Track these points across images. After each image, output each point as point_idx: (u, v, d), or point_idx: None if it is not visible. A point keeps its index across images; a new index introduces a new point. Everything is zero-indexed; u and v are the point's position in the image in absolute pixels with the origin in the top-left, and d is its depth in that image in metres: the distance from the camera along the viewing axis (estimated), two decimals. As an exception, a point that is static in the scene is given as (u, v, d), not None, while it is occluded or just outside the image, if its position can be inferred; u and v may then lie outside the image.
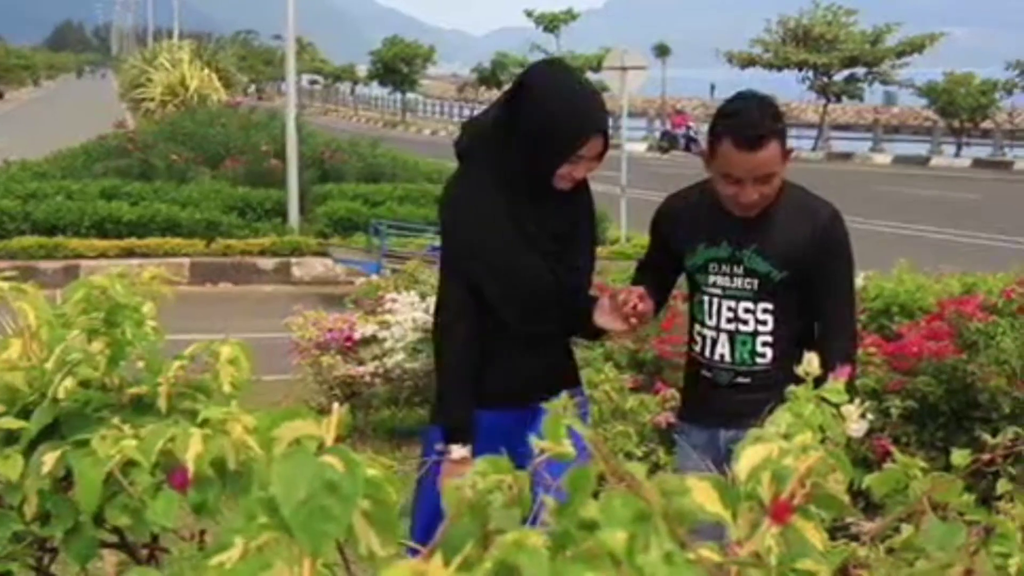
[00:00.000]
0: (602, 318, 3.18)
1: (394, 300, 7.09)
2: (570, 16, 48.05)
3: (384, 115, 59.64)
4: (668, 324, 5.77)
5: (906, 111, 52.62)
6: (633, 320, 3.13)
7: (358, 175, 18.10)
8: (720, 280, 3.32)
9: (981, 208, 22.16)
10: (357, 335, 7.06)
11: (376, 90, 61.90)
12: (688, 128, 39.24)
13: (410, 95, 56.99)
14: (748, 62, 39.52)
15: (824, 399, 1.20)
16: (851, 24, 38.03)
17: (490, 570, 0.87)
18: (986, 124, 36.26)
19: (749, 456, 1.07)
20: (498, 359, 3.20)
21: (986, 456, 1.46)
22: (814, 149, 37.96)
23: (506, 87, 3.55)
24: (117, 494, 1.40)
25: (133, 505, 1.40)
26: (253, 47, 67.04)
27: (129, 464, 1.40)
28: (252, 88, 67.32)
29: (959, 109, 34.57)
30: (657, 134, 41.82)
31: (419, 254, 12.27)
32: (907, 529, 1.30)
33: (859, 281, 6.76)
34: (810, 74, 38.50)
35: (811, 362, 1.24)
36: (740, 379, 3.29)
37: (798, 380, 1.23)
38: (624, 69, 16.76)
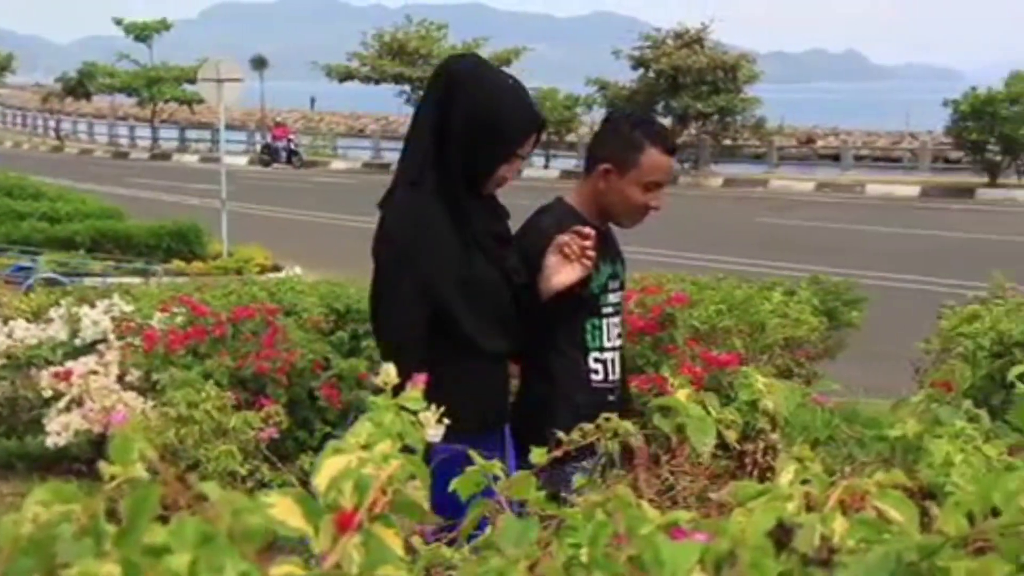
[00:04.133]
0: (556, 277, 3.00)
1: (-30, 325, 6.60)
2: (163, 25, 46.58)
3: (-43, 126, 55.52)
4: (269, 340, 5.70)
5: (498, 125, 54.73)
6: (591, 253, 2.98)
7: (-74, 190, 16.73)
8: (612, 298, 3.30)
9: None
10: (-71, 364, 6.51)
11: (-53, 99, 57.42)
12: (289, 140, 39.13)
13: (-13, 105, 53.31)
14: (346, 75, 39.90)
15: (403, 407, 1.22)
16: (442, 38, 39.24)
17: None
18: (571, 137, 38.43)
19: (329, 467, 1.07)
20: (465, 383, 2.84)
21: (558, 452, 1.54)
22: (413, 161, 38.79)
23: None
24: None
25: None
26: None
27: None
28: None
29: (547, 122, 36.42)
30: (258, 147, 41.40)
31: (1, 274, 11.49)
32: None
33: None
34: (407, 88, 39.38)
35: (388, 373, 1.26)
36: (622, 394, 3.32)
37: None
38: (220, 81, 16.48)
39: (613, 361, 3.27)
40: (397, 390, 2.97)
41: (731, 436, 1.60)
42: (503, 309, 3.00)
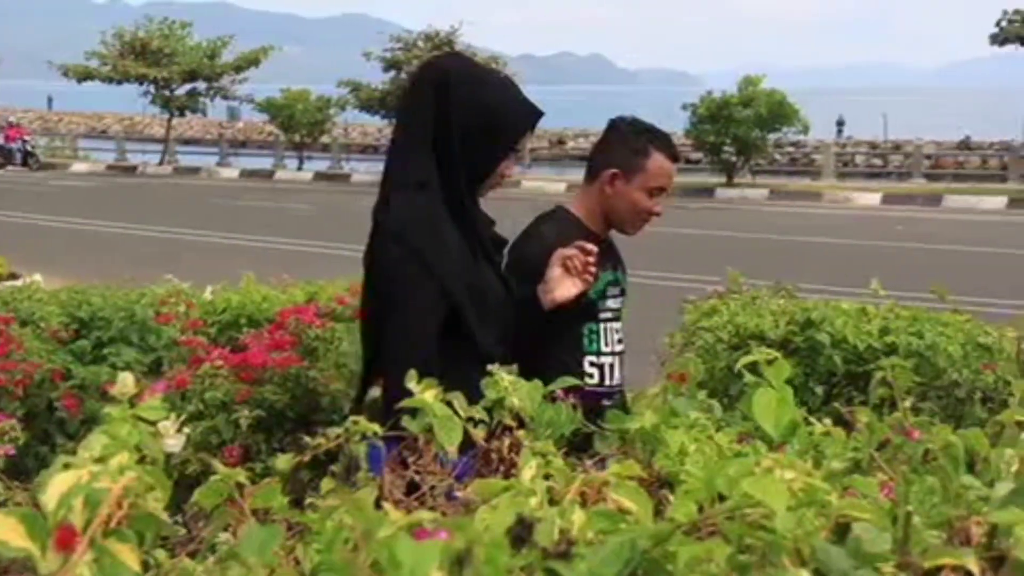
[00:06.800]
0: (558, 291, 2.97)
1: None
2: None
3: None
4: (3, 351, 5.42)
5: (250, 126, 53.83)
6: (592, 269, 2.96)
7: None
8: (611, 303, 3.30)
9: (320, 218, 23.26)
10: None
11: None
12: (24, 141, 37.39)
13: None
14: (86, 75, 38.33)
15: (140, 417, 1.19)
16: (186, 36, 38.22)
17: None
18: (325, 138, 38.07)
19: (58, 483, 1.03)
20: (464, 391, 2.66)
21: (306, 456, 1.52)
22: (161, 163, 37.72)
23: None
24: None
25: None
26: None
27: None
28: None
29: (298, 124, 36.02)
30: (-9, 149, 39.30)
31: None
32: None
33: (207, 295, 6.79)
34: (151, 88, 38.15)
35: (125, 382, 1.22)
36: (622, 399, 3.28)
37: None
38: (-54, 78, 15.60)
39: (612, 366, 3.31)
40: (394, 399, 2.81)
41: (478, 435, 1.63)
42: (504, 315, 2.91)
